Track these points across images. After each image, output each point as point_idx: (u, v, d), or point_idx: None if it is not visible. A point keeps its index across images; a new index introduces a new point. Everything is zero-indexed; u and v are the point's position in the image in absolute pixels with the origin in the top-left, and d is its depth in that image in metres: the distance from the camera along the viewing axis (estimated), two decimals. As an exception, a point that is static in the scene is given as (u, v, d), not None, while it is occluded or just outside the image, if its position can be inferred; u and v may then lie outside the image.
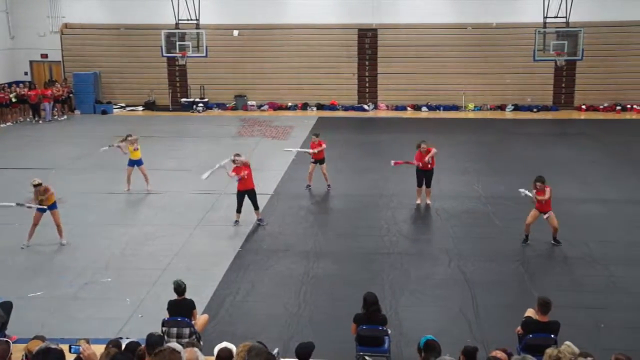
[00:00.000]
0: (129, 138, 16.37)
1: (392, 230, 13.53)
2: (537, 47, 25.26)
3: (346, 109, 29.50)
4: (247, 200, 13.68)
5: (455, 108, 29.20)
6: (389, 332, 8.18)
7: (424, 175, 14.95)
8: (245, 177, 13.51)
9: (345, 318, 8.49)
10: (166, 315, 8.38)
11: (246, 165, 13.56)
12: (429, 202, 15.11)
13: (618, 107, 28.38)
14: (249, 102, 29.69)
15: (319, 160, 16.37)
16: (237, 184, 13.71)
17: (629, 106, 28.47)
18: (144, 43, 29.41)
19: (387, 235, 13.30)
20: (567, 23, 24.91)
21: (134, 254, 12.38)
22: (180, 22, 26.07)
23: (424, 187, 15.04)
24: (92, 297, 10.54)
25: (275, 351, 7.33)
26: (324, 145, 16.26)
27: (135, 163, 16.27)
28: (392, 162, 15.28)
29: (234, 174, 13.54)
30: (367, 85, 29.95)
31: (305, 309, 10.02)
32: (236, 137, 23.64)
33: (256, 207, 13.84)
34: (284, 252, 12.46)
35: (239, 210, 13.78)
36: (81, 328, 9.21)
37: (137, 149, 16.20)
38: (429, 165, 14.85)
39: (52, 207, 12.63)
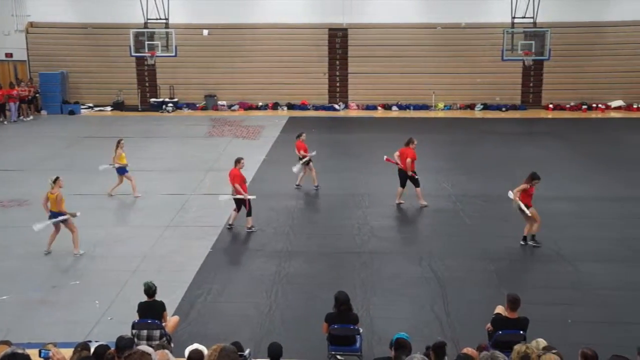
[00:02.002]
0: (122, 142, 15.96)
1: (363, 230, 13.57)
2: (506, 47, 25.59)
3: (317, 108, 29.52)
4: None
5: (425, 107, 29.41)
6: (361, 330, 8.21)
7: (407, 176, 14.75)
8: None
9: (317, 317, 8.51)
10: (136, 318, 8.29)
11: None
12: (424, 202, 14.91)
13: (584, 107, 28.86)
14: (219, 102, 29.53)
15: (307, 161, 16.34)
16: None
17: (594, 105, 28.98)
18: (112, 42, 29.07)
19: (359, 234, 13.33)
20: (535, 23, 25.27)
21: (103, 256, 12.21)
22: (149, 21, 25.82)
23: (404, 188, 14.91)
24: (60, 301, 10.37)
25: (246, 352, 7.34)
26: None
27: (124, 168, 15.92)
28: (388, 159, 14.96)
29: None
30: (337, 84, 30.01)
31: (277, 309, 10.00)
32: (206, 137, 23.50)
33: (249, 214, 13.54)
34: (256, 252, 12.42)
35: (237, 211, 13.54)
36: (49, 332, 9.04)
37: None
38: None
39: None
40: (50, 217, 12.09)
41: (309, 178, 16.51)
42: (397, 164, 14.83)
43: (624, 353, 6.36)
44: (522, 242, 12.48)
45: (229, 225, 13.56)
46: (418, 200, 14.95)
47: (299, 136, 16.48)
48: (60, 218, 11.96)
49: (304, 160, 16.01)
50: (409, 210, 14.84)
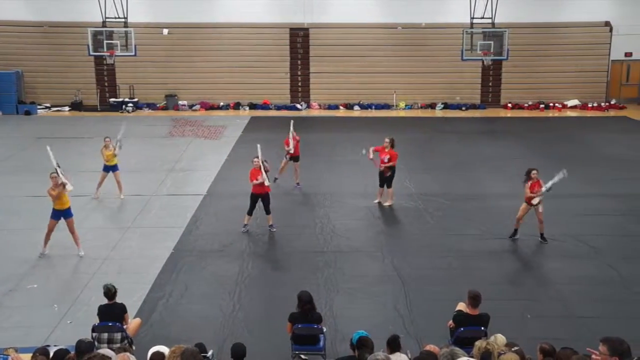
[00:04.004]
0: (106, 140, 15.54)
1: (326, 229, 13.61)
2: (465, 47, 25.96)
3: (279, 108, 29.48)
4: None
5: (386, 107, 29.62)
6: (324, 330, 8.24)
7: (384, 176, 15.02)
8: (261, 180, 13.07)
9: (281, 317, 8.51)
10: (96, 321, 8.18)
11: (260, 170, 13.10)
12: (389, 203, 15.12)
13: (542, 106, 29.45)
14: (180, 102, 29.24)
15: (293, 157, 16.38)
16: (251, 187, 13.27)
17: (551, 104, 29.59)
18: (69, 41, 28.52)
19: (322, 233, 13.36)
20: (493, 24, 25.68)
21: (62, 259, 11.99)
22: (107, 20, 25.42)
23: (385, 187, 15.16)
24: (18, 305, 10.16)
25: (209, 353, 7.31)
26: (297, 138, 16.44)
27: (110, 169, 15.55)
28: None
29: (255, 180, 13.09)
30: (299, 84, 30.02)
31: (240, 310, 9.97)
32: (167, 138, 23.27)
33: (268, 212, 13.38)
34: (218, 252, 12.36)
35: (250, 213, 13.36)
36: (6, 337, 8.87)
37: (113, 153, 15.40)
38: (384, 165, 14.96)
39: (67, 214, 11.99)
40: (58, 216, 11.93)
41: (291, 172, 16.69)
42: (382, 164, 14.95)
43: (579, 346, 6.52)
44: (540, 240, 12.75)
45: (270, 227, 13.44)
46: (388, 200, 15.20)
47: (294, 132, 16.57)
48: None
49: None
50: (371, 210, 14.93)
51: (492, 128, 25.62)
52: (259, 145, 13.38)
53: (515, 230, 12.88)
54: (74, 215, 12.23)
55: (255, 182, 13.03)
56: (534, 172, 12.75)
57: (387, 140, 15.07)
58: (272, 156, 16.81)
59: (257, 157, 13.05)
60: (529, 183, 12.65)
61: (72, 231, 12.06)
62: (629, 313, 9.85)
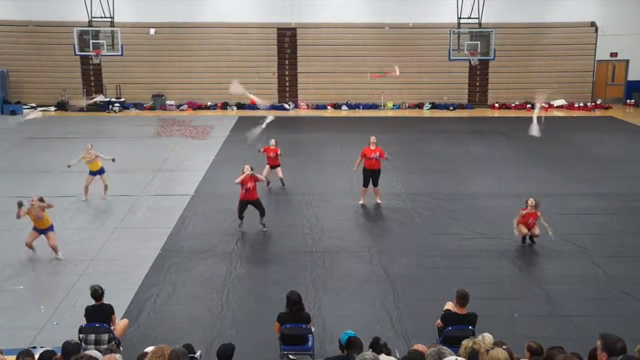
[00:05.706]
0: (87, 146, 15.47)
1: (314, 229, 13.60)
2: (452, 47, 26.05)
3: (267, 108, 29.40)
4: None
5: (374, 107, 29.67)
6: (313, 330, 8.23)
7: (371, 175, 15.06)
8: (251, 188, 13.07)
9: (269, 317, 8.50)
10: (83, 322, 8.12)
11: (253, 177, 13.10)
12: (379, 201, 15.23)
13: (528, 105, 29.61)
14: (168, 102, 29.13)
15: (273, 166, 16.48)
16: (240, 193, 13.24)
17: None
18: (55, 41, 28.35)
19: (310, 233, 13.35)
20: (480, 24, 25.80)
21: (47, 260, 11.89)
22: (93, 19, 25.27)
23: (370, 187, 15.14)
24: (3, 306, 10.06)
25: (197, 354, 7.28)
26: (279, 152, 16.58)
27: (95, 173, 15.42)
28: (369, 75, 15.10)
29: (240, 180, 13.08)
30: (287, 84, 29.98)
31: (228, 310, 9.94)
32: (155, 138, 23.16)
33: (263, 214, 13.40)
34: (206, 253, 12.30)
35: (241, 218, 13.37)
36: (-8, 339, 8.79)
37: (94, 160, 15.27)
38: (377, 164, 15.02)
39: (49, 229, 11.88)
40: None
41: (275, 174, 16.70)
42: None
43: (565, 345, 6.57)
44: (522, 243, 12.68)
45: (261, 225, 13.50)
46: (377, 197, 15.29)
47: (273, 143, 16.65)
48: None
49: None
50: (359, 209, 14.94)
51: (479, 128, 25.71)
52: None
53: (524, 238, 12.70)
54: (58, 219, 12.16)
55: (243, 178, 13.01)
56: (531, 200, 12.57)
57: (373, 139, 15.10)
58: (258, 157, 16.79)
59: (248, 165, 13.13)
60: (523, 211, 12.53)
61: (51, 245, 11.83)
62: (615, 311, 9.91)
